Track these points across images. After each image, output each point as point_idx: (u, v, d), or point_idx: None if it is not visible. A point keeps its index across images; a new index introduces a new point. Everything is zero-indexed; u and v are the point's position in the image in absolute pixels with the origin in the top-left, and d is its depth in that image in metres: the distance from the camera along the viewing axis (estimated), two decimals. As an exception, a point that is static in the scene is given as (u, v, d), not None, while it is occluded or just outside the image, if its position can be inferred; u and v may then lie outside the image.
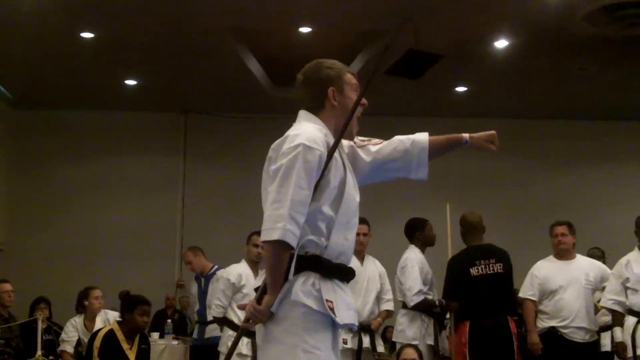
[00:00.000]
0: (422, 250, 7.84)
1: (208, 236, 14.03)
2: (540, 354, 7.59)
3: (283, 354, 3.23)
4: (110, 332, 7.14)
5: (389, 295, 7.78)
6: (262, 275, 3.36)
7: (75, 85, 13.37)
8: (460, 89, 13.41)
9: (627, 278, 7.30)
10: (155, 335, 9.93)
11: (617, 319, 7.34)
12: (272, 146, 3.41)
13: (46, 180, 14.73)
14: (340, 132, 3.39)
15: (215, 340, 8.44)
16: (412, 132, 3.70)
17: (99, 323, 8.78)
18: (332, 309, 3.26)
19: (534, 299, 7.74)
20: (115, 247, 14.21)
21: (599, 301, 7.63)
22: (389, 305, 7.83)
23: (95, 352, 6.98)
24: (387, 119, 11.09)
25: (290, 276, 3.24)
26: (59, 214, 14.55)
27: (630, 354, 7.15)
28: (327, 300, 3.26)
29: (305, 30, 10.91)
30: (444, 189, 13.24)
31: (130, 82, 13.32)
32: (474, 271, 7.50)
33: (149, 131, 14.82)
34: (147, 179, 14.71)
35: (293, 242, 3.18)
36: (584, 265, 7.85)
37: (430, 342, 7.59)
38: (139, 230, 14.38)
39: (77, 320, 9.00)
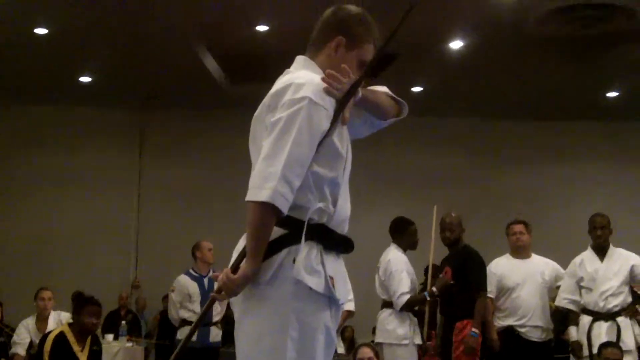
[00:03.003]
0: (404, 252, 7.72)
1: (165, 234, 13.99)
2: (498, 351, 7.63)
3: (270, 336, 2.85)
4: (61, 334, 7.04)
5: (350, 296, 7.71)
6: (244, 239, 2.97)
7: (29, 80, 13.19)
8: (416, 88, 13.46)
9: (581, 277, 7.41)
10: (109, 337, 9.82)
11: (572, 318, 7.42)
12: (272, 92, 2.98)
13: (-1, 176, 14.54)
14: (342, 103, 2.95)
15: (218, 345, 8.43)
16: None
17: (51, 324, 8.67)
18: (333, 286, 2.92)
19: (491, 296, 7.79)
20: (70, 245, 14.03)
21: (553, 300, 7.72)
22: (350, 306, 7.81)
23: (46, 356, 6.88)
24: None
25: (301, 247, 2.84)
26: (11, 211, 14.33)
27: (586, 352, 7.24)
28: (330, 277, 2.91)
29: (262, 28, 10.88)
30: (398, 186, 13.34)
31: (85, 79, 13.18)
32: None
33: (105, 127, 14.67)
34: (102, 175, 14.55)
35: (283, 207, 2.77)
36: (540, 264, 7.93)
37: (419, 341, 7.55)
38: (95, 227, 14.20)
39: (29, 322, 8.89)
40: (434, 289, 7.39)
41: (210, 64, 12.09)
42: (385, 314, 7.58)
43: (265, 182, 2.76)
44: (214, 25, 10.84)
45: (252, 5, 10.12)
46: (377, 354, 6.83)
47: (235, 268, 2.86)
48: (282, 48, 10.18)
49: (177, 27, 10.74)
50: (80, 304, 7.12)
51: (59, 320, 8.72)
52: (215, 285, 3.00)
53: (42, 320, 8.83)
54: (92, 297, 7.22)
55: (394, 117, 3.32)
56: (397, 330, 7.47)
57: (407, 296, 7.40)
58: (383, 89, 3.28)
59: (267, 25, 10.78)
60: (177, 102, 14.28)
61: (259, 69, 11.54)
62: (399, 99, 3.32)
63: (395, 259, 7.54)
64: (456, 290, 7.29)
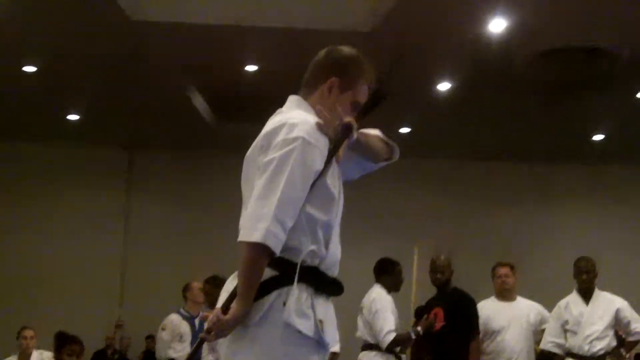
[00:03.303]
0: (388, 292, 7.68)
1: (150, 274, 13.93)
2: None
3: None
4: (43, 373, 7.04)
5: (337, 336, 7.64)
6: (234, 278, 2.93)
7: (18, 118, 13.20)
8: (404, 129, 13.54)
9: (566, 320, 7.42)
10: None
11: (557, 361, 7.45)
12: (264, 133, 2.94)
13: (-15, 214, 14.46)
14: (336, 145, 2.95)
15: None
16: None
17: (34, 363, 8.63)
18: (323, 330, 2.88)
19: (478, 338, 7.79)
20: (55, 284, 13.98)
21: (538, 343, 7.72)
22: (335, 348, 7.77)
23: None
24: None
25: (294, 289, 2.80)
26: (-2, 250, 14.27)
27: (570, 395, 7.25)
28: (319, 321, 2.86)
29: (251, 68, 10.94)
30: (385, 227, 13.34)
31: (73, 117, 13.19)
32: None
33: (92, 167, 14.66)
34: (89, 214, 14.53)
35: (276, 247, 2.74)
36: (525, 307, 7.94)
37: None
38: (80, 266, 14.15)
39: (12, 361, 8.85)
40: (419, 328, 7.39)
41: (200, 103, 12.14)
42: (369, 356, 7.55)
43: (258, 223, 2.74)
44: (203, 65, 10.90)
45: (241, 46, 10.19)
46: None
47: (225, 308, 2.82)
48: (272, 88, 10.30)
49: (166, 67, 10.79)
50: (61, 342, 7.09)
51: (41, 359, 8.66)
52: (205, 325, 2.94)
53: (23, 358, 8.77)
54: (73, 336, 7.18)
55: (386, 160, 3.31)
56: None
57: (393, 334, 7.37)
58: (375, 131, 3.28)
59: (256, 65, 10.85)
60: (166, 142, 14.30)
61: (249, 109, 11.62)
62: (390, 142, 3.32)
63: (379, 298, 7.53)
64: (448, 332, 7.30)
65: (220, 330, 2.81)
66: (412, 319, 8.53)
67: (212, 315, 2.85)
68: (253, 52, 10.46)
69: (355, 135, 3.02)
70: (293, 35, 9.34)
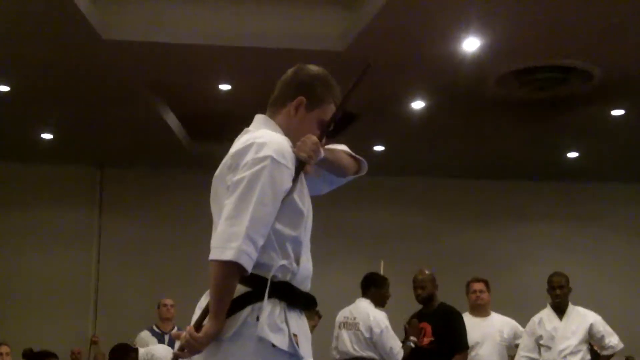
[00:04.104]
0: (375, 307, 7.69)
1: (124, 290, 13.90)
2: None
3: None
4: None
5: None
6: (207, 296, 2.97)
7: (-10, 137, 13.15)
8: (378, 147, 13.57)
9: (540, 335, 7.46)
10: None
11: (531, 376, 7.46)
12: (233, 152, 2.99)
13: (-44, 232, 14.37)
14: (299, 167, 3.00)
15: None
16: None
17: (7, 380, 8.56)
18: (297, 344, 2.90)
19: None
20: (26, 301, 13.90)
21: (512, 358, 7.75)
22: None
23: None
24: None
25: (265, 304, 2.83)
26: (-33, 266, 14.16)
27: (545, 410, 7.27)
28: (294, 335, 2.90)
29: (224, 87, 10.94)
30: (363, 245, 13.36)
31: (46, 136, 13.14)
32: None
33: (64, 185, 14.62)
34: (61, 232, 14.45)
35: (248, 266, 2.77)
36: (499, 323, 7.97)
37: None
38: (53, 284, 14.10)
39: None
40: (413, 338, 7.41)
41: (172, 122, 12.12)
42: None
43: (229, 242, 2.77)
44: (176, 84, 10.89)
45: (214, 65, 10.19)
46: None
47: (198, 326, 2.85)
48: (245, 107, 10.30)
49: (139, 86, 10.77)
50: (39, 358, 7.11)
51: None
52: (177, 344, 2.97)
53: None
54: (47, 350, 7.23)
55: (353, 174, 3.37)
56: None
57: (402, 352, 7.40)
58: (342, 147, 3.34)
59: (229, 84, 10.85)
60: (138, 160, 14.27)
61: (222, 127, 11.58)
62: (358, 157, 3.37)
63: (380, 316, 7.53)
64: (436, 348, 7.31)
65: (193, 347, 2.83)
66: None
67: (185, 333, 2.86)
68: (226, 71, 10.46)
69: (322, 153, 3.07)
70: (266, 55, 9.36)
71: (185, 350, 2.86)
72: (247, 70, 10.22)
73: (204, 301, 2.99)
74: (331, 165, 3.21)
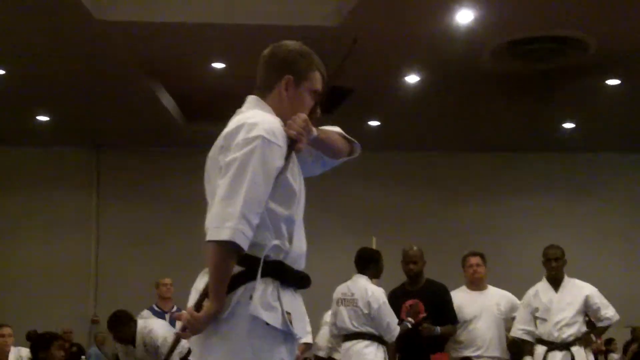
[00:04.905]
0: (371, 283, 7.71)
1: (123, 272, 13.99)
2: None
3: None
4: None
5: (308, 328, 7.71)
6: (204, 276, 3.00)
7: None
8: (373, 122, 13.58)
9: (536, 308, 7.47)
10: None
11: (527, 348, 7.49)
12: (225, 133, 2.99)
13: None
14: (290, 145, 2.98)
15: None
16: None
17: (12, 360, 8.62)
18: (290, 322, 2.93)
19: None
20: (27, 283, 14.03)
21: (509, 331, 7.78)
22: (308, 339, 7.79)
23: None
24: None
25: (258, 284, 2.86)
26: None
27: (540, 382, 7.32)
28: (287, 313, 2.92)
29: (218, 65, 10.93)
30: (359, 222, 13.40)
31: (43, 118, 13.15)
32: None
33: (62, 167, 14.71)
34: (60, 215, 14.57)
35: (244, 244, 2.79)
36: (496, 296, 7.98)
37: None
38: (53, 266, 14.21)
39: (-12, 360, 8.82)
40: (410, 319, 7.45)
41: (167, 101, 12.12)
42: (360, 346, 7.49)
43: (225, 222, 2.79)
44: (169, 63, 10.89)
45: (207, 43, 10.19)
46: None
47: (198, 306, 2.87)
48: (239, 85, 10.30)
49: (133, 66, 10.77)
50: (47, 339, 7.22)
51: (19, 356, 8.65)
52: (178, 325, 3.00)
53: (2, 356, 8.73)
54: (53, 332, 7.31)
55: (346, 156, 3.38)
56: None
57: (398, 328, 7.45)
58: (335, 128, 3.33)
59: (222, 62, 10.84)
60: (135, 141, 14.31)
61: (217, 106, 11.59)
62: (351, 138, 3.37)
63: (378, 292, 7.52)
64: (431, 323, 7.36)
65: (194, 327, 2.86)
66: None
67: (185, 314, 2.88)
68: (219, 49, 10.45)
69: (315, 132, 3.09)
70: (259, 32, 9.33)
71: (187, 330, 2.89)
72: (240, 48, 10.21)
73: (199, 282, 3.00)
74: (324, 146, 3.23)
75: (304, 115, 3.06)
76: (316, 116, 3.14)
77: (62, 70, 10.90)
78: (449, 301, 7.56)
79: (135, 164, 14.69)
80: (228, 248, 2.79)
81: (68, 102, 12.37)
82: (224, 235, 2.78)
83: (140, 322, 7.81)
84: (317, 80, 3.19)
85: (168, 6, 9.46)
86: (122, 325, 7.60)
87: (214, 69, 11.04)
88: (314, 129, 3.09)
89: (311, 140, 3.10)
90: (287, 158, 2.98)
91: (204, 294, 2.88)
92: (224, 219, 2.80)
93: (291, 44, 3.21)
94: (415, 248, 7.67)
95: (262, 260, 2.88)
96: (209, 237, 2.82)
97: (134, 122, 13.18)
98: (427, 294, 7.51)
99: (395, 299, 7.68)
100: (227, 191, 2.84)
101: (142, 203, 14.63)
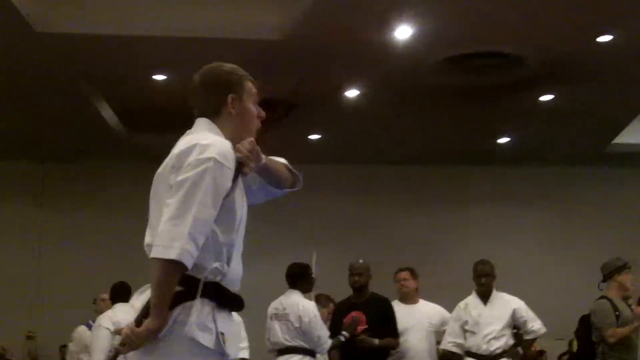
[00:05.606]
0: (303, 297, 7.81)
1: (64, 284, 13.86)
2: None
3: None
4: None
5: (244, 344, 7.83)
6: (142, 293, 3.09)
7: None
8: (314, 136, 13.66)
9: (466, 321, 7.65)
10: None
11: (456, 361, 7.67)
12: (176, 152, 3.05)
13: None
14: (239, 166, 3.06)
15: None
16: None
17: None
18: (224, 342, 2.99)
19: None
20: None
21: (439, 343, 7.93)
22: (244, 354, 7.84)
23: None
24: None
25: (197, 304, 2.94)
26: None
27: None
28: (221, 334, 2.99)
29: (159, 77, 10.91)
30: (302, 234, 13.44)
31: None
32: None
33: (6, 178, 14.57)
34: (2, 225, 14.45)
35: (189, 264, 2.85)
36: (427, 309, 8.17)
37: None
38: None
39: None
40: (345, 332, 7.55)
41: (108, 114, 12.05)
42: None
43: (174, 242, 2.84)
44: (110, 75, 10.83)
45: (149, 56, 10.17)
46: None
47: (139, 322, 2.92)
48: (181, 97, 10.29)
49: (73, 79, 10.71)
50: None
51: None
52: (116, 340, 3.07)
53: None
54: None
55: (289, 187, 3.46)
56: None
57: (329, 341, 7.53)
58: (281, 160, 3.44)
59: (164, 74, 10.82)
60: (78, 154, 14.21)
61: (158, 118, 11.60)
62: (295, 171, 3.47)
63: (310, 305, 7.64)
64: (372, 336, 7.47)
65: (133, 343, 2.91)
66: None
67: (125, 329, 2.94)
68: (161, 62, 10.44)
69: (264, 159, 3.20)
70: (202, 45, 9.36)
71: (126, 346, 2.93)
72: (182, 61, 10.17)
73: (136, 301, 3.08)
74: (269, 174, 3.31)
75: (251, 139, 3.16)
76: (262, 117, 3.30)
77: (2, 83, 10.79)
78: (391, 314, 7.72)
79: (79, 176, 14.63)
80: (174, 267, 2.85)
81: (10, 116, 12.23)
82: (172, 254, 2.84)
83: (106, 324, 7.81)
84: (251, 87, 3.29)
85: (109, 19, 9.42)
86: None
87: (156, 81, 11.01)
88: (262, 156, 3.19)
89: (259, 167, 3.19)
90: (234, 181, 3.05)
91: (145, 311, 2.93)
92: (173, 238, 2.85)
93: (217, 65, 3.34)
94: (361, 261, 7.87)
95: (201, 282, 2.95)
96: (156, 255, 2.88)
97: (77, 136, 13.08)
98: (371, 307, 7.67)
99: (341, 311, 7.79)
100: (176, 210, 2.89)
101: (84, 215, 14.54)
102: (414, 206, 15.13)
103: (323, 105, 11.93)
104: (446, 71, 10.71)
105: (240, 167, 3.07)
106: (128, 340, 2.91)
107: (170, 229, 2.87)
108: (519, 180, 15.24)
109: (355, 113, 12.25)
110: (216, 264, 3.00)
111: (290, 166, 3.45)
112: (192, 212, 2.87)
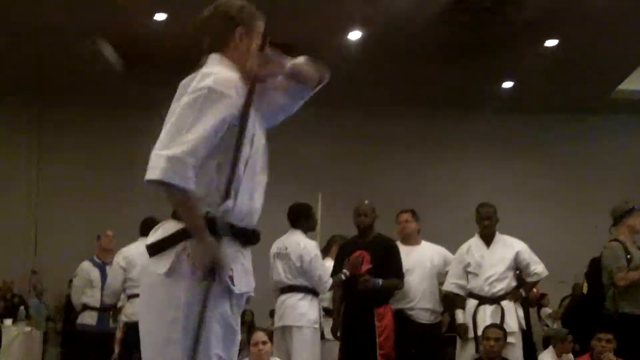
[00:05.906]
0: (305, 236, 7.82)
1: (63, 225, 13.98)
2: None
3: (167, 326, 2.95)
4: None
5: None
6: (156, 230, 3.13)
7: None
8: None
9: (468, 263, 7.66)
10: (8, 322, 9.84)
11: (459, 301, 7.70)
12: (182, 82, 3.10)
13: None
14: (251, 88, 3.08)
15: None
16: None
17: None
18: (231, 278, 2.98)
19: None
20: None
21: (442, 284, 7.97)
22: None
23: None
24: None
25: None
26: None
27: (471, 334, 7.53)
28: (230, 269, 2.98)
29: (160, 17, 10.85)
30: (307, 179, 13.47)
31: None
32: None
33: (4, 120, 14.62)
34: (1, 167, 14.48)
35: (181, 183, 2.86)
36: (429, 251, 8.17)
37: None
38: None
39: None
40: (345, 270, 7.62)
41: (109, 53, 12.00)
42: (294, 299, 7.64)
43: (158, 163, 2.87)
44: (111, 14, 10.76)
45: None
46: (270, 338, 6.97)
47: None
48: (181, 37, 10.24)
49: (73, 18, 10.64)
50: None
51: None
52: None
53: None
54: None
55: (319, 82, 3.38)
56: (308, 315, 7.58)
57: (330, 280, 7.61)
58: (302, 58, 3.35)
59: (165, 13, 10.75)
60: (76, 97, 14.13)
61: (159, 58, 11.53)
62: (318, 63, 3.39)
63: (311, 245, 7.67)
64: (376, 276, 7.53)
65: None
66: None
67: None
68: (162, 0, 10.37)
69: (287, 66, 3.19)
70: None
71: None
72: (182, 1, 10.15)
73: (151, 236, 3.08)
74: (297, 77, 3.27)
75: (255, 50, 3.17)
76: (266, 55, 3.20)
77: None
78: (395, 255, 7.73)
79: (77, 119, 14.59)
80: (167, 188, 2.87)
81: (9, 56, 12.18)
82: (154, 174, 2.86)
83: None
84: (260, 25, 3.26)
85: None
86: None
87: (157, 21, 10.95)
88: (285, 62, 3.19)
89: (289, 73, 3.21)
90: (245, 113, 3.04)
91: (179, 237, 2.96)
92: (156, 160, 2.87)
93: (230, 1, 3.30)
94: (366, 202, 7.88)
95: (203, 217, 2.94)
96: (146, 177, 2.90)
97: (76, 78, 12.99)
98: (375, 247, 7.69)
99: (345, 251, 7.86)
100: (166, 134, 2.92)
101: (84, 156, 14.57)
102: (411, 151, 15.11)
103: (324, 48, 11.86)
104: (450, 16, 10.64)
105: (253, 84, 3.08)
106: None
107: (157, 153, 2.89)
108: (522, 125, 15.22)
109: (357, 57, 12.16)
110: (218, 199, 2.98)
111: (312, 60, 3.36)
112: (182, 135, 2.88)
